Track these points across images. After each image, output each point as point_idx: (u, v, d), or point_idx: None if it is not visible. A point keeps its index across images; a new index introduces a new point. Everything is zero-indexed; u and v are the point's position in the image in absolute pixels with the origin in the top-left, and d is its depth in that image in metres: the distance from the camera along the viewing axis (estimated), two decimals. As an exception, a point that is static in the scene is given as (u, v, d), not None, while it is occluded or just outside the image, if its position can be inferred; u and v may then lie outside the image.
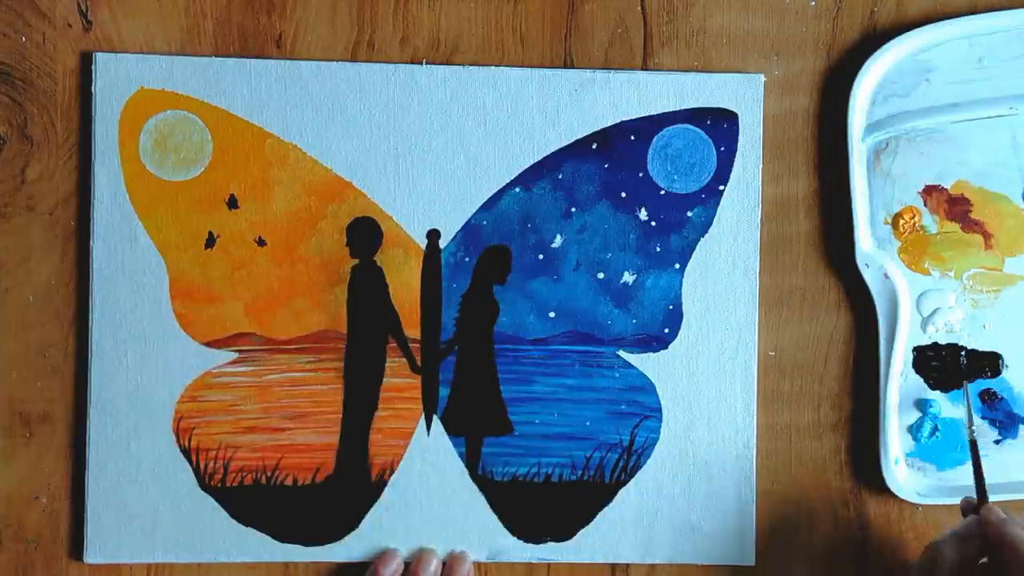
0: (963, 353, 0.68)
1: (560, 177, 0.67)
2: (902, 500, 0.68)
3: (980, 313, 0.68)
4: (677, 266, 0.68)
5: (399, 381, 0.67)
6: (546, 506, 0.68)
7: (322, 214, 0.67)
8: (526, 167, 0.67)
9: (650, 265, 0.68)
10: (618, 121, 0.67)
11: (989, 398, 0.68)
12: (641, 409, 0.68)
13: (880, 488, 0.68)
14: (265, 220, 0.67)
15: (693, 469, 0.68)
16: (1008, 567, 0.59)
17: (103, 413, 0.66)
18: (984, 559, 0.61)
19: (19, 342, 0.67)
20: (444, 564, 0.67)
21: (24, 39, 0.66)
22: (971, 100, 0.67)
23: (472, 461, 0.67)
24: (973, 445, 0.65)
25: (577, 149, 0.67)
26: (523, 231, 0.67)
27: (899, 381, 0.68)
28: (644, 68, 0.68)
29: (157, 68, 0.66)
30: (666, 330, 0.68)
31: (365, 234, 0.67)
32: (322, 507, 0.67)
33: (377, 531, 0.67)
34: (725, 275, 0.68)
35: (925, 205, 0.68)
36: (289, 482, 0.67)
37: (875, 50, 0.67)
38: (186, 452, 0.66)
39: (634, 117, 0.67)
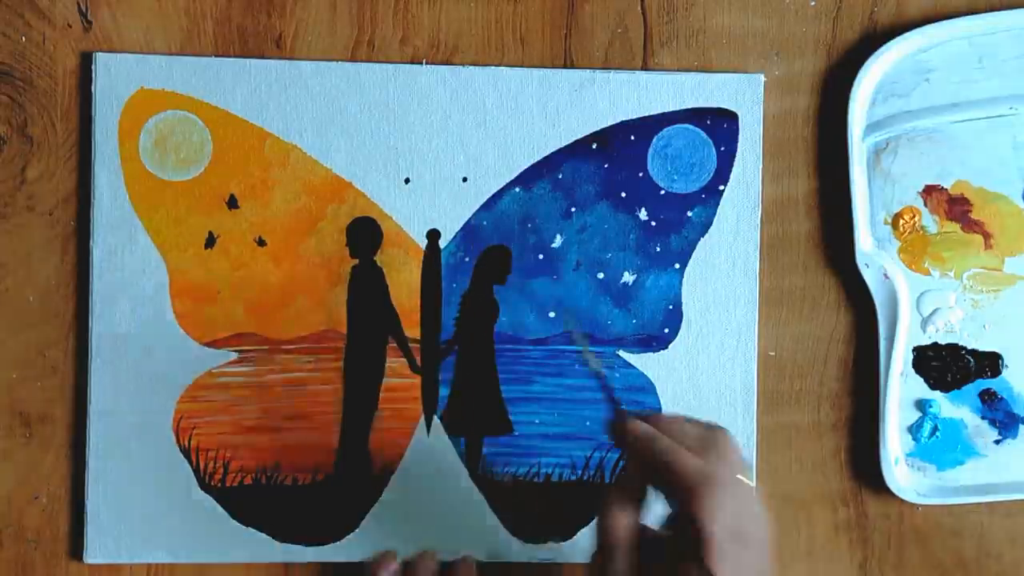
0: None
1: (560, 177, 0.67)
2: (902, 500, 0.68)
3: (980, 313, 0.68)
4: (677, 266, 0.68)
5: (399, 381, 0.67)
6: (546, 506, 0.68)
7: (322, 214, 0.67)
8: (526, 167, 0.67)
9: (650, 265, 0.68)
10: (618, 121, 0.67)
11: (989, 398, 0.68)
12: (641, 409, 0.68)
13: (880, 488, 0.68)
14: (265, 220, 0.67)
15: (693, 469, 0.68)
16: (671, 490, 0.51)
17: (103, 413, 0.66)
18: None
19: (19, 342, 0.66)
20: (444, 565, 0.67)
21: (24, 39, 0.66)
22: (971, 100, 0.67)
23: (472, 461, 0.67)
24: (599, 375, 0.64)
25: (577, 149, 0.67)
26: (523, 231, 0.67)
27: (899, 381, 0.68)
28: (644, 68, 0.68)
29: (157, 68, 0.66)
30: (666, 330, 0.68)
31: (365, 234, 0.67)
32: (322, 507, 0.67)
33: (377, 531, 0.67)
34: (725, 275, 0.68)
35: (925, 205, 0.68)
36: (289, 482, 0.67)
37: (875, 50, 0.67)
38: (186, 452, 0.66)
39: (634, 117, 0.67)
